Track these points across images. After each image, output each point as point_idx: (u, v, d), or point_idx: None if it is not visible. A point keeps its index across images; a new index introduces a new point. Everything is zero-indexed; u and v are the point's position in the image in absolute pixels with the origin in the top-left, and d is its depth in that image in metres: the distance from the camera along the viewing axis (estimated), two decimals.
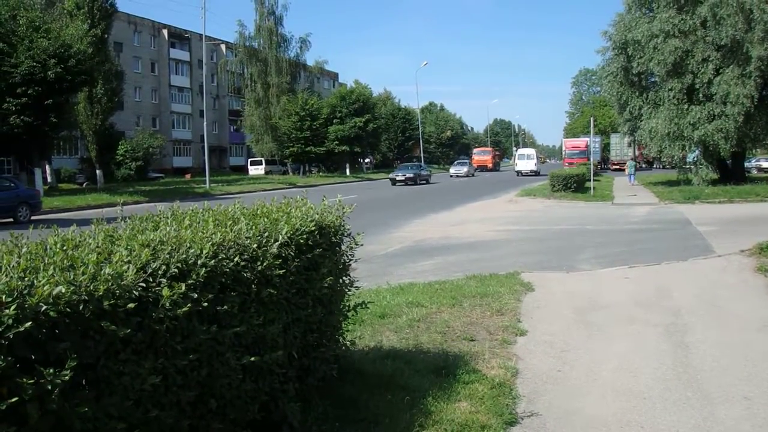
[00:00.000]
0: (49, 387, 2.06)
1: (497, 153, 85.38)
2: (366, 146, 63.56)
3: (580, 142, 60.51)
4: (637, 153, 59.01)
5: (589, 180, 28.84)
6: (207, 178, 38.83)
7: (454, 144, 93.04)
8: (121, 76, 42.63)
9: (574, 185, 27.49)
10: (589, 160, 35.17)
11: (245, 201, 4.53)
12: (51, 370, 2.06)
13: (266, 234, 3.57)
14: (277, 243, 3.54)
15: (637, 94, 28.87)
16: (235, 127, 72.60)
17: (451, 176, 54.25)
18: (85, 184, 42.21)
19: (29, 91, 28.47)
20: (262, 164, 59.40)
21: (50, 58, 28.61)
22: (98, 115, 39.85)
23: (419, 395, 4.34)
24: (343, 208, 4.65)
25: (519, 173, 53.34)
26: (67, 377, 2.07)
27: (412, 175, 43.55)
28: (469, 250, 12.61)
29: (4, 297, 2.06)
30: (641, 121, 28.24)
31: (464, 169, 55.72)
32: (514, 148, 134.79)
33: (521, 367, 5.16)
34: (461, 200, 27.08)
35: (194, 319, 2.80)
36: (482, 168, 68.91)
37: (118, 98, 42.80)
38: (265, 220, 3.82)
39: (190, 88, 69.65)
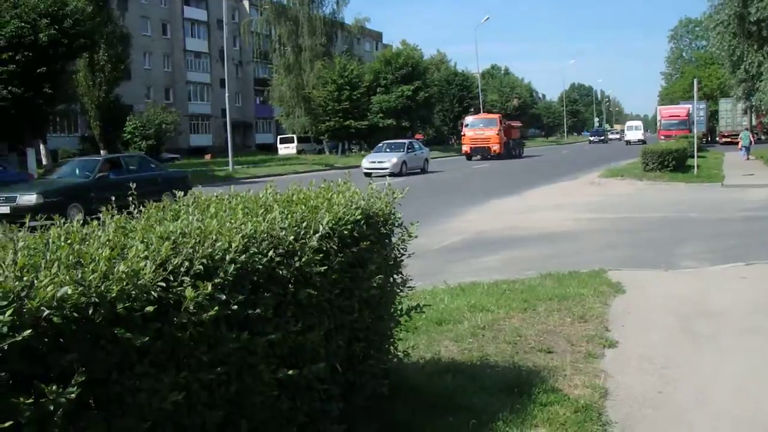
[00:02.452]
0: (51, 407, 2.07)
1: (512, 126, 55.59)
2: (416, 119, 63.52)
3: (680, 109, 59.03)
4: (754, 122, 57.26)
5: (692, 156, 28.06)
6: (230, 159, 39.37)
7: (521, 114, 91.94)
8: (127, 40, 43.52)
9: (673, 163, 26.80)
10: (691, 131, 34.32)
11: (276, 186, 4.53)
12: (54, 388, 2.07)
13: (304, 224, 3.55)
14: (317, 235, 3.52)
15: (755, 47, 27.80)
16: (261, 99, 73.52)
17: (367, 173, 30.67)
18: None
19: (17, 57, 28.83)
20: (293, 142, 60.01)
21: (41, 17, 29.03)
22: (101, 85, 40.77)
23: (487, 418, 4.28)
24: (393, 193, 4.61)
25: (628, 142, 72.60)
26: (73, 395, 2.08)
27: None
28: (543, 244, 12.45)
29: None
30: (760, 81, 27.22)
31: (388, 162, 33.10)
32: (596, 120, 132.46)
33: (611, 387, 5.04)
34: (531, 182, 26.77)
35: (222, 325, 2.79)
36: (479, 152, 48.59)
37: (125, 66, 43.74)
38: (303, 207, 3.81)
39: (208, 53, 70.76)
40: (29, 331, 2.04)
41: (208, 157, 57.49)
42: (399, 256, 4.62)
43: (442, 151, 64.86)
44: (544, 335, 6.24)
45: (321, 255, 3.52)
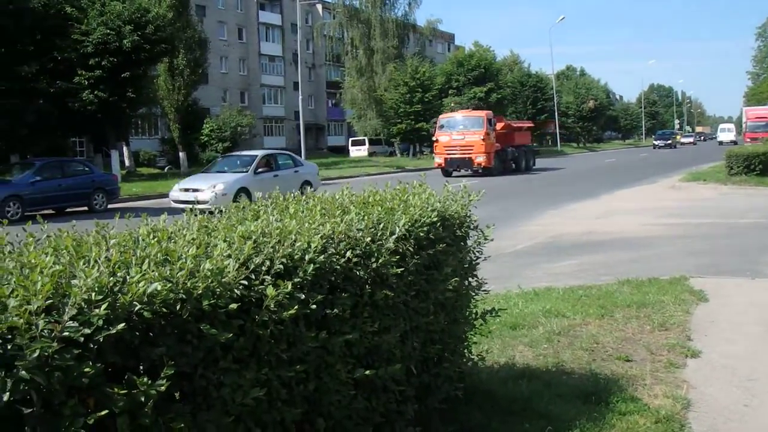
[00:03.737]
0: (143, 398, 2.15)
1: (514, 128, 41.86)
2: None
3: None
4: None
5: None
6: (303, 161, 39.93)
7: (597, 116, 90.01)
8: (204, 45, 44.65)
9: (759, 167, 25.72)
10: None
11: (351, 187, 4.59)
12: (144, 380, 2.16)
13: (381, 226, 3.59)
14: (393, 236, 3.55)
15: None
16: (333, 102, 74.36)
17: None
18: (166, 168, 44.76)
19: (103, 63, 30.33)
20: (365, 144, 60.45)
21: (125, 24, 30.36)
22: (180, 89, 41.92)
23: (563, 426, 4.23)
24: (469, 195, 4.61)
25: (721, 143, 73.90)
26: (162, 388, 2.16)
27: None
28: (620, 249, 12.17)
29: (93, 295, 2.18)
30: None
31: (207, 190, 19.34)
32: (677, 122, 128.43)
33: (694, 398, 4.89)
34: (609, 186, 26.19)
35: (301, 324, 2.85)
36: (458, 164, 34.92)
37: (202, 70, 44.88)
38: (379, 209, 3.85)
39: (282, 56, 71.97)
40: (123, 324, 2.13)
41: None
42: (474, 258, 4.61)
43: None
44: (622, 343, 6.12)
45: (397, 257, 3.55)
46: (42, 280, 2.12)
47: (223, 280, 2.54)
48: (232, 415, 2.49)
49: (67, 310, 2.06)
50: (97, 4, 31.54)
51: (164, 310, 2.32)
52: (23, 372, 1.89)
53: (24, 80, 29.61)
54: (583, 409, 4.51)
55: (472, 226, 4.57)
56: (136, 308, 2.23)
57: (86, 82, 30.75)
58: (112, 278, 2.29)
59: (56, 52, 30.97)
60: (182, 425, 2.25)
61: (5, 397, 1.86)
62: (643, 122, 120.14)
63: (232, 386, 2.50)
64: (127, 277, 2.34)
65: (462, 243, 4.44)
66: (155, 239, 2.78)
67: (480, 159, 34.39)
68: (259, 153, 23.28)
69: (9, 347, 1.95)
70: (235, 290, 2.58)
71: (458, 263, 4.29)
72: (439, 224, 4.02)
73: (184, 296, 2.38)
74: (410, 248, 3.69)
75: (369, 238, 3.44)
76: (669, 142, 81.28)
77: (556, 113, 76.05)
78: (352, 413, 3.20)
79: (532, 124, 50.01)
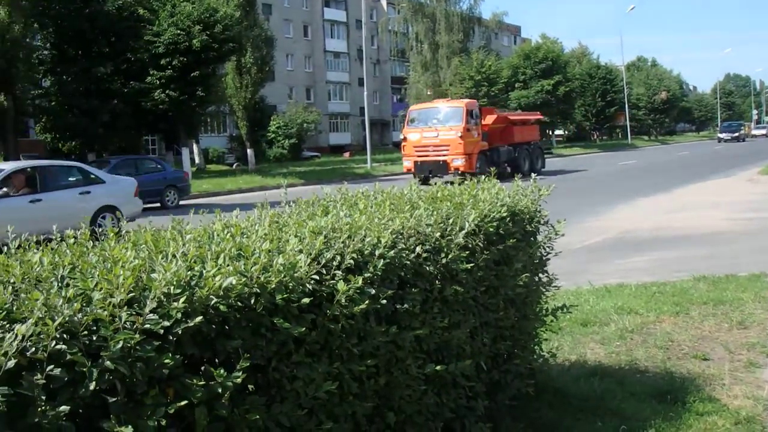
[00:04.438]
0: (219, 390, 2.21)
1: (512, 121, 32.88)
2: (556, 114, 61.99)
3: None
4: None
5: None
6: (368, 157, 40.16)
7: (670, 108, 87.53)
8: (271, 43, 45.21)
9: None
10: None
11: (418, 182, 4.58)
12: (221, 371, 2.22)
13: (450, 221, 3.58)
14: (463, 232, 3.54)
15: None
16: (398, 97, 74.42)
17: None
18: (235, 165, 45.63)
19: (173, 63, 31.22)
20: None
21: (195, 24, 31.12)
22: (247, 87, 42.58)
23: (637, 425, 4.15)
24: (539, 190, 4.56)
25: None
26: (238, 380, 2.21)
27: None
28: (696, 245, 11.82)
29: (172, 288, 2.25)
30: None
31: None
32: (754, 112, 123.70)
33: None
34: (682, 179, 25.46)
35: (371, 319, 2.88)
36: (430, 169, 27.38)
37: (269, 68, 45.46)
38: (448, 204, 3.84)
39: (347, 53, 72.48)
40: (200, 318, 2.19)
41: (347, 155, 58.87)
42: (545, 254, 4.56)
43: (583, 147, 63.08)
44: (699, 341, 5.95)
45: (467, 252, 3.54)
46: (124, 274, 2.19)
47: (296, 274, 2.58)
48: (305, 408, 2.53)
49: (148, 303, 2.13)
50: (167, 5, 32.38)
51: (239, 303, 2.37)
52: (108, 362, 1.97)
53: (100, 81, 30.67)
54: (658, 408, 4.41)
55: (542, 221, 4.52)
56: (213, 302, 2.29)
57: (158, 82, 31.62)
58: (189, 272, 2.35)
59: (129, 54, 31.95)
60: (257, 417, 2.30)
61: (92, 386, 1.93)
62: (719, 113, 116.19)
63: (305, 379, 2.54)
64: (204, 271, 2.40)
65: (532, 238, 4.40)
66: (229, 234, 2.85)
67: (458, 162, 26.04)
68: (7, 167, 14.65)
69: (94, 338, 2.03)
70: (307, 285, 2.61)
71: (528, 259, 4.25)
72: (508, 219, 3.98)
73: (258, 290, 2.43)
74: (480, 243, 3.67)
75: (438, 234, 3.44)
76: (737, 134, 70.64)
77: (626, 105, 74.29)
78: (422, 408, 3.21)
79: (540, 116, 37.73)
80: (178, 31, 31.20)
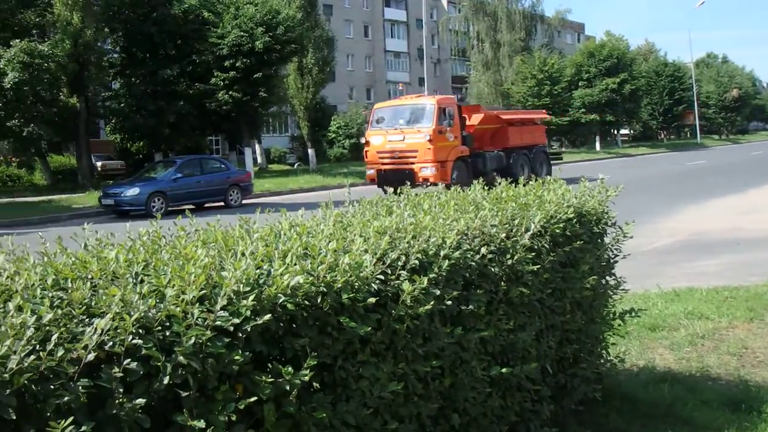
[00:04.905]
0: (287, 387, 2.25)
1: (506, 120, 26.71)
2: (621, 113, 60.74)
3: None
4: None
5: None
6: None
7: (742, 106, 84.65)
8: (332, 43, 45.63)
9: None
10: None
11: (482, 182, 4.57)
12: (289, 369, 2.25)
13: (515, 222, 3.56)
14: (528, 233, 3.51)
15: None
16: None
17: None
18: (296, 165, 46.17)
19: (237, 64, 31.92)
20: None
21: (258, 26, 31.72)
22: (309, 87, 43.06)
23: None
24: (607, 190, 4.48)
25: None
26: (306, 377, 2.25)
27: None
28: None
29: (241, 286, 2.30)
30: None
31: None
32: None
33: None
34: (756, 180, 24.61)
35: (436, 320, 2.88)
36: (396, 178, 20.54)
37: (330, 68, 45.90)
38: (513, 204, 3.82)
39: (407, 52, 72.54)
40: (269, 315, 2.23)
41: None
42: (612, 256, 4.48)
43: (650, 147, 61.66)
44: None
45: (533, 254, 3.51)
46: (195, 271, 2.25)
47: (361, 274, 2.61)
48: (370, 407, 2.55)
49: (218, 300, 2.18)
50: (231, 8, 33.04)
51: (306, 302, 2.41)
52: (181, 357, 2.02)
53: (166, 83, 31.51)
54: (732, 417, 4.28)
55: (609, 223, 4.44)
56: (281, 300, 2.33)
57: (222, 83, 32.29)
58: (258, 271, 2.40)
59: (194, 56, 32.70)
60: (324, 415, 2.33)
61: (165, 380, 1.99)
62: None
63: (370, 379, 2.56)
64: (272, 270, 2.44)
65: (599, 240, 4.33)
66: (296, 234, 2.89)
67: (426, 171, 21.28)
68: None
69: (167, 334, 2.09)
70: (373, 284, 2.63)
71: (595, 261, 4.19)
72: (575, 221, 3.93)
73: (324, 289, 2.46)
74: (546, 245, 3.63)
75: (503, 235, 3.43)
76: None
77: (695, 104, 72.22)
78: (487, 410, 3.20)
79: (544, 115, 32.96)
80: (242, 33, 31.81)
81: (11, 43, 25.48)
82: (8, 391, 1.71)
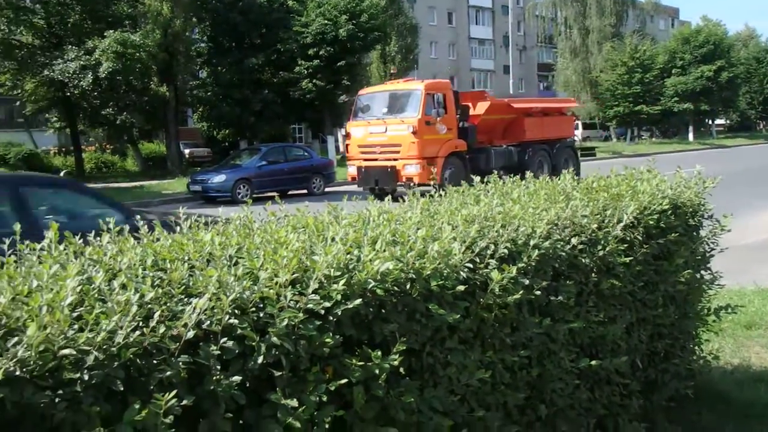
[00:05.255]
0: (377, 371, 2.29)
1: (512, 108, 22.30)
2: (717, 102, 58.41)
3: None
4: None
5: None
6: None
7: None
8: (415, 31, 45.65)
9: None
10: None
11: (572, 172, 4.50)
12: (378, 353, 2.29)
13: (607, 212, 3.50)
14: (621, 224, 3.45)
15: None
16: (545, 84, 72.94)
17: None
18: None
19: (321, 52, 32.32)
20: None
21: (341, 14, 32.00)
22: (391, 76, 43.32)
23: None
24: (704, 182, 4.34)
25: None
26: (395, 362, 2.28)
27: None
28: None
29: (332, 271, 2.35)
30: None
31: None
32: None
33: None
34: None
35: (524, 309, 2.87)
36: (375, 178, 19.41)
37: (413, 56, 45.95)
38: (605, 195, 3.75)
39: (492, 39, 71.75)
40: (359, 300, 2.28)
41: None
42: (708, 250, 4.34)
43: (748, 138, 59.10)
44: None
45: (625, 245, 3.45)
46: (288, 255, 2.31)
47: (450, 262, 2.62)
48: (457, 394, 2.57)
49: (311, 284, 2.24)
50: None
51: (395, 288, 2.44)
52: (274, 338, 2.09)
53: (251, 72, 32.24)
54: None
55: (706, 215, 4.30)
56: (370, 285, 2.37)
57: (305, 72, 32.78)
58: (347, 256, 2.45)
59: (279, 44, 33.29)
60: (411, 400, 2.36)
61: (260, 360, 2.06)
62: None
63: (458, 366, 2.58)
64: (361, 255, 2.49)
65: (695, 233, 4.21)
66: (385, 220, 2.92)
67: (411, 170, 18.38)
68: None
69: (261, 315, 2.16)
70: (461, 272, 2.65)
71: (690, 254, 4.07)
72: (670, 212, 3.83)
73: (413, 276, 2.49)
74: (639, 237, 3.56)
75: (595, 225, 3.38)
76: None
77: None
78: (575, 402, 3.16)
79: (573, 104, 28.98)
80: (326, 22, 32.17)
81: (105, 34, 26.51)
82: (116, 364, 1.81)
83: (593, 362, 3.14)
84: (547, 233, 3.07)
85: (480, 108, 21.00)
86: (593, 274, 3.26)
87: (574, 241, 3.17)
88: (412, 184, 17.12)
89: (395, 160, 18.61)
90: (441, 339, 2.57)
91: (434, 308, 2.49)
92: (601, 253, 3.30)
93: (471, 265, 2.70)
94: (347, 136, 20.63)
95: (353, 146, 20.08)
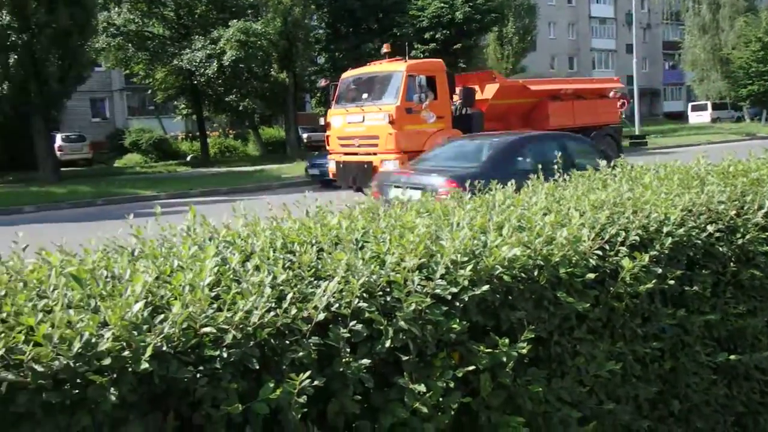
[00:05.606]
0: (504, 359, 2.27)
1: (529, 91, 18.81)
2: None
3: None
4: None
5: None
6: (636, 128, 38.29)
7: None
8: (533, 11, 44.72)
9: None
10: None
11: (708, 156, 4.27)
12: (506, 341, 2.27)
13: (747, 198, 3.31)
14: (762, 210, 3.25)
15: None
16: (671, 64, 69.81)
17: None
18: None
19: (437, 36, 32.25)
20: (707, 109, 55.90)
21: None
22: (509, 57, 42.68)
23: None
24: None
25: None
26: (524, 350, 2.25)
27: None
28: None
29: (459, 256, 2.34)
30: None
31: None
32: None
33: None
34: None
35: (656, 299, 2.77)
36: (351, 175, 16.13)
37: (531, 37, 45.08)
38: (743, 180, 3.55)
39: (614, 18, 69.29)
40: (486, 286, 2.26)
41: None
42: None
43: None
44: None
45: (766, 233, 3.25)
46: (414, 240, 2.32)
47: (579, 249, 2.56)
48: (586, 385, 2.51)
49: (438, 269, 2.24)
50: None
51: (522, 275, 2.41)
52: (402, 322, 2.11)
53: (368, 57, 32.49)
54: None
55: None
56: (497, 272, 2.35)
57: (422, 56, 32.74)
58: (474, 241, 2.43)
59: (395, 29, 33.42)
60: (539, 389, 2.32)
61: (387, 343, 2.08)
62: None
63: (587, 356, 2.52)
64: (487, 241, 2.46)
65: None
66: (510, 206, 2.89)
67: (390, 166, 14.87)
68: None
69: (388, 299, 2.18)
70: (590, 260, 2.58)
71: None
72: None
73: (541, 263, 2.45)
74: None
75: (733, 212, 3.21)
76: None
77: None
78: (711, 399, 3.03)
79: (617, 84, 22.51)
80: (442, 5, 32.03)
81: (229, 23, 27.53)
82: (252, 343, 1.88)
83: (731, 357, 2.99)
84: (681, 220, 2.94)
85: (488, 91, 17.87)
86: (731, 264, 3.10)
87: (710, 228, 3.02)
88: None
89: (374, 154, 15.58)
90: (569, 328, 2.52)
91: (563, 296, 2.44)
92: (740, 241, 3.13)
93: (600, 253, 2.63)
94: (327, 126, 17.62)
95: (332, 138, 17.22)
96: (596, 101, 20.30)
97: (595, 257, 2.60)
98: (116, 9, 28.81)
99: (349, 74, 17.98)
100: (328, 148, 17.62)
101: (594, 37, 68.99)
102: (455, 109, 16.66)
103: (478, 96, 17.50)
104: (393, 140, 15.10)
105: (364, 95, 16.44)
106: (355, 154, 16.09)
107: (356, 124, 16.22)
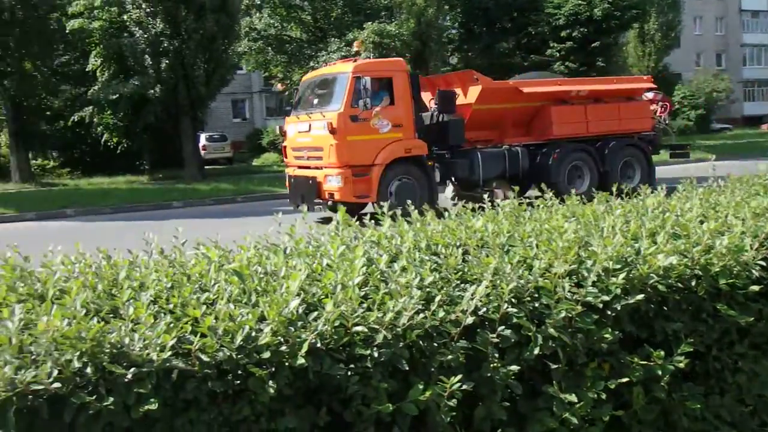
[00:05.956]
0: (659, 372, 2.17)
1: (527, 92, 14.51)
2: None
3: None
4: None
5: None
6: None
7: None
8: (677, 6, 42.66)
9: None
10: None
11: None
12: (661, 353, 2.17)
13: None
14: None
15: None
16: None
17: None
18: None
19: (574, 34, 31.44)
20: None
21: None
22: (650, 55, 40.92)
23: None
24: None
25: None
26: (681, 364, 2.15)
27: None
28: None
29: (611, 264, 2.26)
30: None
31: None
32: None
33: None
34: None
35: None
36: (300, 192, 13.72)
37: (675, 33, 43.04)
38: None
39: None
40: (641, 296, 2.18)
41: (765, 127, 53.03)
42: None
43: None
44: None
45: None
46: (564, 245, 2.27)
47: (741, 259, 2.42)
48: (748, 405, 2.37)
49: (589, 276, 2.17)
50: None
51: (679, 285, 2.31)
52: (551, 330, 2.06)
53: (502, 56, 32.26)
54: None
55: None
56: (652, 281, 2.25)
57: (558, 54, 32.11)
58: (629, 249, 2.35)
59: (530, 27, 32.90)
60: (697, 406, 2.21)
61: (536, 351, 2.05)
62: None
63: (749, 373, 2.38)
64: (641, 248, 2.37)
65: None
66: (664, 212, 2.77)
67: (332, 183, 12.85)
68: None
69: (536, 305, 2.14)
70: (753, 270, 2.43)
71: None
72: None
73: (699, 272, 2.33)
74: None
75: None
76: None
77: None
78: None
79: (647, 83, 17.55)
80: (579, 2, 31.20)
81: (364, 26, 28.05)
82: (401, 344, 1.90)
83: None
84: None
85: (471, 95, 14.59)
86: None
87: None
88: (331, 202, 12.74)
89: (317, 168, 13.49)
90: (729, 342, 2.38)
91: (723, 309, 2.31)
92: None
93: (764, 263, 2.47)
94: (283, 135, 15.46)
95: (288, 149, 14.97)
96: (619, 105, 16.22)
97: (758, 268, 2.44)
98: (257, 14, 30.05)
99: (307, 77, 15.82)
100: (285, 160, 15.41)
101: (745, 31, 64.95)
102: (431, 116, 14.10)
103: (460, 100, 14.42)
104: (334, 152, 12.74)
105: (315, 101, 14.22)
106: (307, 167, 13.87)
107: (304, 134, 13.97)
